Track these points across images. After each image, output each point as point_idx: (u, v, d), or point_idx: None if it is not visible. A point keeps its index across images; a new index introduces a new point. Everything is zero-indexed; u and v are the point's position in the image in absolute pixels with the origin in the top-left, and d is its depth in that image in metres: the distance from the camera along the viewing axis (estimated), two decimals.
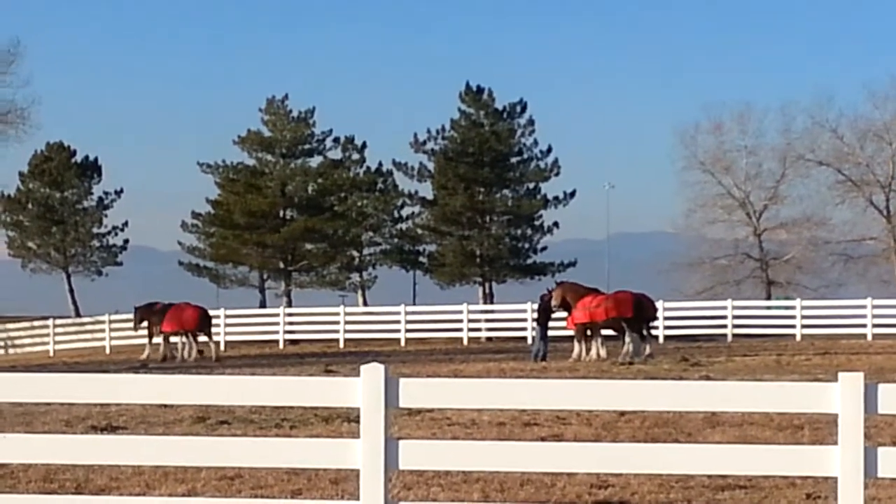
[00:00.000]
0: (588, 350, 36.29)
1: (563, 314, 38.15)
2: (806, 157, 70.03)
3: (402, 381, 9.33)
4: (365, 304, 71.64)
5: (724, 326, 50.87)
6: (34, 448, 10.09)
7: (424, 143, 71.06)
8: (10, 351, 60.89)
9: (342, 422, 18.26)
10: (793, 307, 52.29)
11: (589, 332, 36.70)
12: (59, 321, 61.89)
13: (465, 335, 53.38)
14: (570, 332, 38.01)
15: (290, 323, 56.46)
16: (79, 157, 79.93)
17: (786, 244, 70.93)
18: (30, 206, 78.72)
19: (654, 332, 41.51)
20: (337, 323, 54.53)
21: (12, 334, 62.75)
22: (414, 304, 68.45)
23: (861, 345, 44.00)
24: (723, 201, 71.05)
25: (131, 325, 48.06)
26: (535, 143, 71.25)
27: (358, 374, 9.27)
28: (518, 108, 71.47)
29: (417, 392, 9.47)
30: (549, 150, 71.19)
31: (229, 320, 54.72)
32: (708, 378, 25.29)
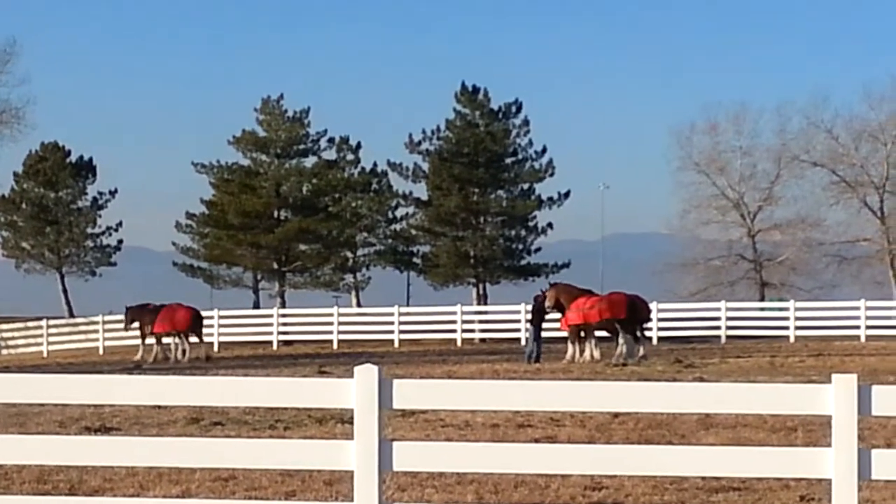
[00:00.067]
0: (582, 351, 36.31)
1: (557, 315, 38.18)
2: (801, 158, 70.09)
3: (396, 382, 9.33)
4: (359, 304, 71.62)
5: (718, 328, 50.89)
6: (28, 449, 10.07)
7: (419, 143, 71.09)
8: (4, 352, 60.80)
9: (336, 423, 18.27)
10: (787, 309, 52.31)
11: (582, 334, 36.72)
12: (52, 322, 61.80)
13: (458, 336, 53.39)
14: (564, 334, 38.04)
15: (284, 324, 56.42)
16: (73, 158, 79.86)
17: (780, 245, 70.97)
18: (24, 206, 78.62)
19: (647, 333, 41.51)
20: (331, 324, 54.52)
21: (6, 335, 62.66)
22: (408, 305, 68.38)
23: (855, 346, 44.04)
24: (717, 202, 71.12)
25: (123, 325, 48.09)
26: (530, 143, 71.34)
27: (352, 376, 9.26)
28: (513, 109, 71.51)
29: (411, 393, 9.46)
30: (544, 150, 71.30)
31: (223, 321, 54.69)
32: (702, 380, 25.32)
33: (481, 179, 69.64)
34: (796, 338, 48.66)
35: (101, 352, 55.41)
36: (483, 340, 55.10)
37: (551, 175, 70.99)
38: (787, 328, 50.17)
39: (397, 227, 73.31)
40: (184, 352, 44.22)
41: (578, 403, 10.20)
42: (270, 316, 57.25)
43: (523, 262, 71.03)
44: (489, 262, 69.69)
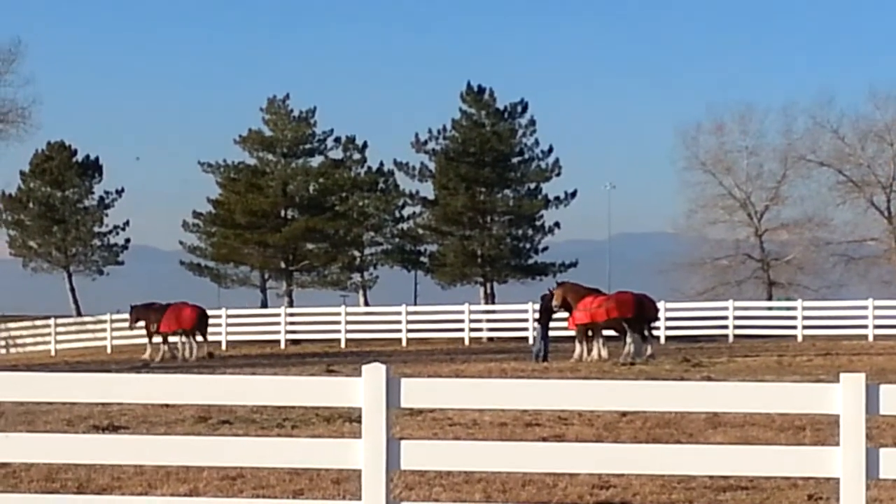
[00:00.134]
0: (589, 350, 36.31)
1: (565, 314, 38.17)
2: (807, 158, 70.04)
3: (404, 381, 9.33)
4: (366, 304, 71.67)
5: (726, 327, 50.90)
6: (36, 447, 10.08)
7: (426, 143, 71.11)
8: (12, 350, 60.87)
9: (344, 422, 18.27)
10: (794, 308, 52.31)
11: (590, 333, 36.72)
12: (60, 321, 61.88)
13: (466, 335, 53.40)
14: (571, 333, 38.03)
15: (292, 323, 56.47)
16: (80, 157, 79.97)
17: (787, 245, 70.93)
18: (31, 205, 78.75)
19: (655, 332, 41.51)
20: (338, 323, 54.56)
21: (14, 334, 62.73)
22: (415, 304, 68.45)
23: (862, 346, 44.01)
24: (724, 202, 71.06)
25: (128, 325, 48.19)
26: (537, 143, 71.36)
27: (359, 374, 9.26)
28: (519, 108, 71.51)
29: (419, 392, 9.46)
30: (551, 150, 71.31)
31: (231, 320, 54.75)
32: (709, 379, 25.31)
33: (488, 179, 69.65)
34: (804, 337, 48.64)
35: (109, 351, 55.47)
36: (491, 339, 55.11)
37: (558, 175, 71.02)
38: (794, 327, 50.16)
39: (404, 226, 73.37)
40: (191, 350, 44.29)
41: (586, 402, 10.21)
42: (278, 315, 57.29)
43: (530, 262, 71.04)
44: (496, 261, 69.69)
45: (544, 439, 16.45)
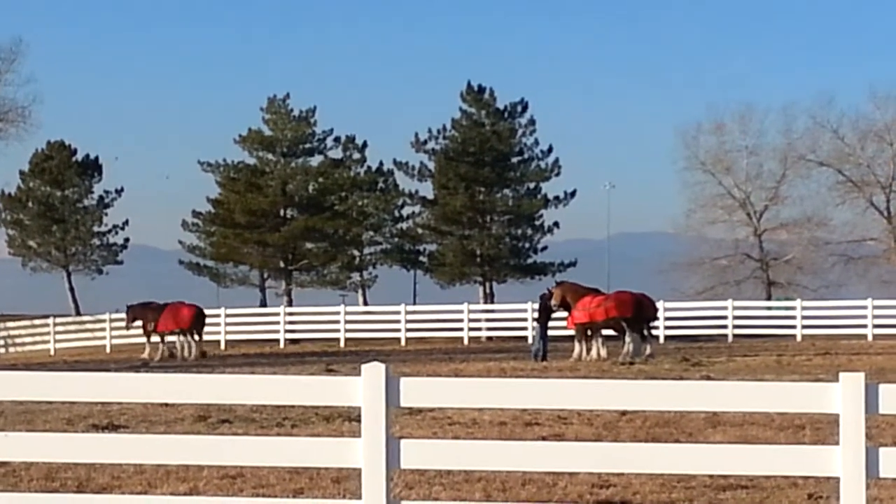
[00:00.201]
0: (588, 350, 36.30)
1: (564, 314, 38.17)
2: (807, 158, 70.10)
3: (403, 380, 9.33)
4: (365, 303, 71.69)
5: (725, 327, 50.90)
6: (36, 446, 10.08)
7: (425, 142, 71.16)
8: (11, 349, 60.89)
9: (343, 421, 18.26)
10: (793, 307, 52.32)
11: (589, 332, 36.72)
12: (59, 320, 61.89)
13: (465, 335, 53.40)
14: (571, 332, 38.03)
15: (291, 322, 56.47)
16: (79, 156, 80.00)
17: (786, 244, 71.00)
18: (30, 204, 78.79)
19: (654, 332, 41.53)
20: (337, 322, 54.56)
21: (13, 333, 62.74)
22: (414, 303, 68.45)
23: (862, 345, 44.02)
24: (723, 201, 71.12)
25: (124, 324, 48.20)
26: (536, 142, 71.45)
27: (359, 374, 9.26)
28: (519, 108, 71.56)
29: (418, 391, 9.46)
30: (550, 149, 71.39)
31: (230, 319, 54.73)
32: (709, 378, 25.29)
33: (487, 178, 69.68)
34: (803, 336, 48.65)
35: (108, 350, 55.46)
36: (490, 339, 55.11)
37: (557, 174, 71.10)
38: (793, 327, 50.18)
39: (404, 225, 73.42)
40: (190, 350, 44.32)
41: (586, 401, 10.20)
42: (277, 314, 57.28)
43: (530, 261, 71.09)
44: (496, 260, 69.73)
45: (544, 438, 16.45)
